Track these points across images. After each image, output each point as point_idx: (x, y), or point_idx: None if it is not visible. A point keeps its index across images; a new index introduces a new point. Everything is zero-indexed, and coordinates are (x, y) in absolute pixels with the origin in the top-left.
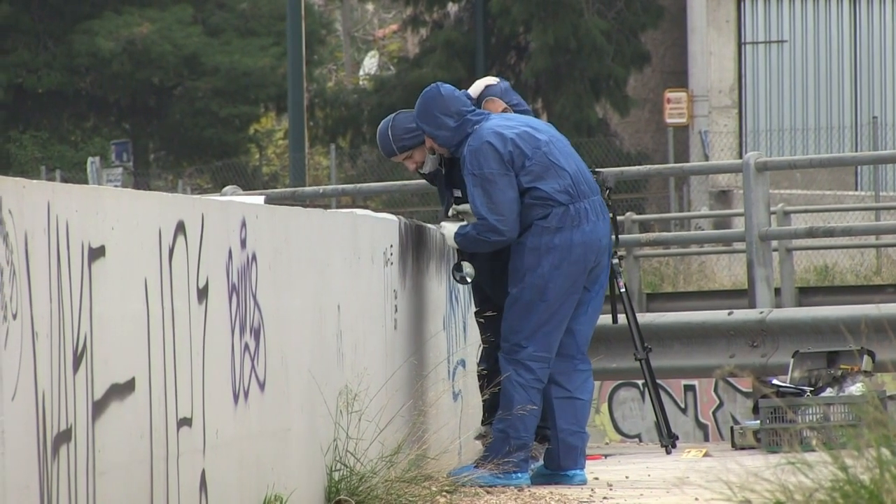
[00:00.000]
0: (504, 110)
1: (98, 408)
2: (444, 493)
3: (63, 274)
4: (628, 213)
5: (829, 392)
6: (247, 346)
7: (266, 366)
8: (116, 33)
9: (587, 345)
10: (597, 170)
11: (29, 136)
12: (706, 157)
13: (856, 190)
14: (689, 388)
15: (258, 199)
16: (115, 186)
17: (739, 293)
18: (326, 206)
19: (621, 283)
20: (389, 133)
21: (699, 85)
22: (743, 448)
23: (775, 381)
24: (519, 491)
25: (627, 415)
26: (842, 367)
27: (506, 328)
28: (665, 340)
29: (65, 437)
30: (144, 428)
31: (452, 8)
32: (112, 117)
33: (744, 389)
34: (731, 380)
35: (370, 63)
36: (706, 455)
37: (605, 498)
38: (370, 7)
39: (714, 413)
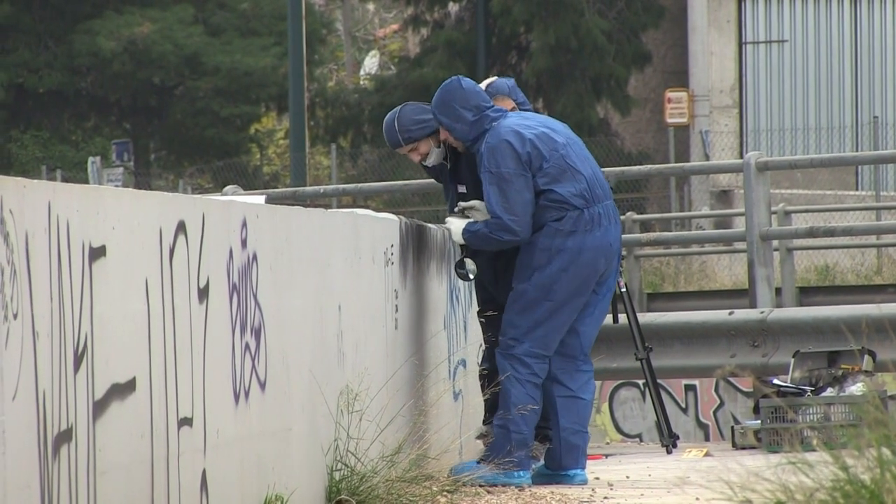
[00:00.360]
0: (512, 108)
1: (99, 407)
2: (445, 493)
3: (64, 274)
4: (629, 213)
5: (829, 392)
6: (247, 346)
7: (267, 365)
8: (117, 33)
9: (591, 346)
10: None
11: (30, 136)
12: (707, 157)
13: (856, 190)
14: (690, 388)
15: (259, 199)
16: (116, 186)
17: (740, 293)
18: (327, 206)
19: (622, 283)
20: (396, 124)
21: (700, 85)
22: (744, 448)
23: (776, 381)
24: (520, 490)
25: (628, 414)
26: (843, 366)
27: (505, 321)
28: (666, 340)
29: (65, 436)
30: (145, 428)
31: (453, 7)
32: (113, 117)
33: (744, 389)
34: (731, 379)
35: (371, 63)
36: (707, 455)
37: (605, 498)
38: (371, 7)
39: (715, 413)
